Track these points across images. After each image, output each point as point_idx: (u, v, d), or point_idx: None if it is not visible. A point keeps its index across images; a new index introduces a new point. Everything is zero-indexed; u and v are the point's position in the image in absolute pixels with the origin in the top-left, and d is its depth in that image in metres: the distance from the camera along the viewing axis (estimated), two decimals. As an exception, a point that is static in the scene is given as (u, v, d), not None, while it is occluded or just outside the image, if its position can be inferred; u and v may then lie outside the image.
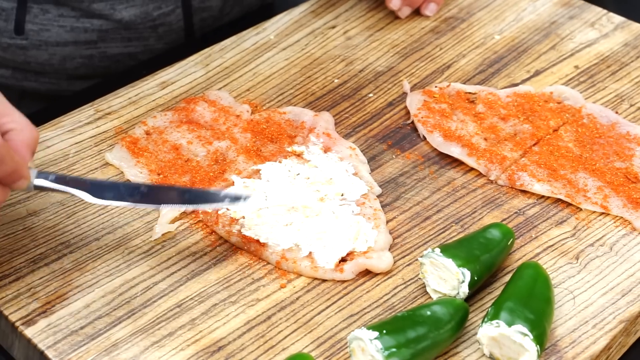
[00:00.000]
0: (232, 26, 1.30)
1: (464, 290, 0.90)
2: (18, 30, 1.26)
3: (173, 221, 0.98)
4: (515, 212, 1.02)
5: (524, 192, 1.04)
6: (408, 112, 1.13)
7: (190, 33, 1.34)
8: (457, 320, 0.87)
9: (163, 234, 0.97)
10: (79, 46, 1.29)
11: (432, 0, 1.28)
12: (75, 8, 1.26)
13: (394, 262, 0.95)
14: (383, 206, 1.01)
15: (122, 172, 1.03)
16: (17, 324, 0.88)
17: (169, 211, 0.98)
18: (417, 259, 0.95)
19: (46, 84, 1.33)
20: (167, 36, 1.32)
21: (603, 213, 1.02)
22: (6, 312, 0.88)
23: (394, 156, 1.08)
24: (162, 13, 1.29)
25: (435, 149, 1.08)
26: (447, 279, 0.90)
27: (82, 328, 0.87)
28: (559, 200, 1.03)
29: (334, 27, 1.26)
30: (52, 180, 0.90)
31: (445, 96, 1.14)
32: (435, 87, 1.16)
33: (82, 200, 0.98)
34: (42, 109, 1.24)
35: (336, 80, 1.18)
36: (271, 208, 0.98)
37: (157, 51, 1.33)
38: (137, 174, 1.02)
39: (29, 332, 0.87)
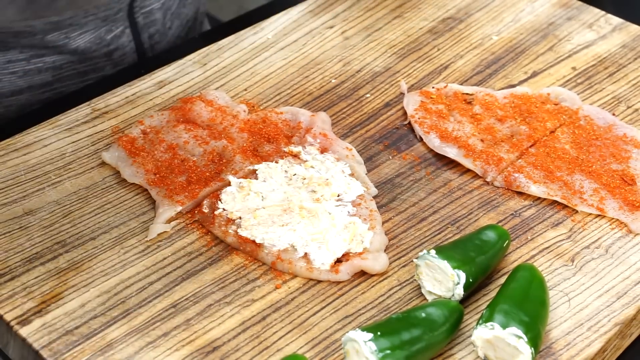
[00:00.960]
0: (181, 48, 1.30)
1: (459, 292, 0.90)
2: None
3: (169, 221, 0.98)
4: (511, 214, 1.02)
5: (520, 193, 1.04)
6: (405, 113, 1.13)
7: (141, 54, 1.31)
8: (452, 322, 0.87)
9: (159, 234, 0.97)
10: (34, 91, 1.23)
11: None
12: (25, 47, 1.20)
13: (390, 264, 0.95)
14: (379, 207, 1.01)
15: (118, 172, 1.03)
16: (12, 323, 0.88)
17: (165, 211, 0.98)
18: (412, 261, 0.95)
19: None
20: (122, 61, 1.29)
21: (599, 215, 1.02)
22: (1, 312, 0.88)
23: (390, 157, 1.08)
24: (115, 36, 1.26)
25: (432, 150, 1.08)
26: (442, 280, 0.90)
27: (77, 328, 0.87)
28: (555, 202, 1.03)
29: (331, 27, 1.26)
30: None
31: (442, 97, 1.14)
32: (433, 87, 1.16)
33: (79, 199, 0.99)
34: (38, 108, 1.24)
35: (333, 81, 1.18)
36: (267, 208, 0.98)
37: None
38: (134, 173, 1.02)
39: (23, 331, 0.87)
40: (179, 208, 0.98)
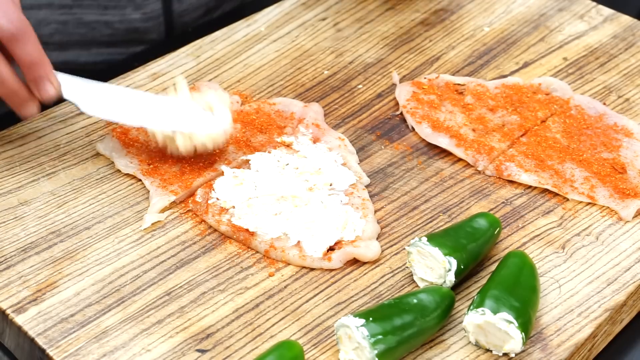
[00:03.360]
0: (220, 19, 1.31)
1: (451, 278, 0.90)
2: None
3: (162, 210, 0.99)
4: (503, 202, 1.03)
5: (512, 182, 1.05)
6: (397, 103, 1.14)
7: (167, 3, 1.30)
8: (443, 308, 0.87)
9: (152, 223, 0.97)
10: (53, 10, 1.25)
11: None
12: None
13: (382, 251, 0.96)
14: (371, 196, 1.02)
15: (112, 162, 1.04)
16: (8, 311, 0.88)
17: (159, 201, 0.98)
18: (404, 248, 0.96)
19: None
20: (145, 6, 1.28)
21: (590, 203, 1.03)
22: (-3, 300, 0.90)
23: (382, 147, 1.09)
24: None
25: (424, 140, 1.09)
26: (434, 267, 0.91)
27: (72, 315, 0.88)
28: (546, 190, 1.04)
29: (324, 19, 1.27)
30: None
31: (434, 87, 1.15)
32: (425, 78, 1.17)
33: (73, 189, 1.00)
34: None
35: (326, 72, 1.19)
36: (260, 197, 0.98)
37: (134, 22, 1.29)
38: (128, 164, 1.03)
39: (19, 319, 0.88)
40: (173, 198, 0.99)
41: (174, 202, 0.99)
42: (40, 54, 0.96)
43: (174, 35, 1.34)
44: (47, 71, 0.97)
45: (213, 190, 1.00)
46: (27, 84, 0.97)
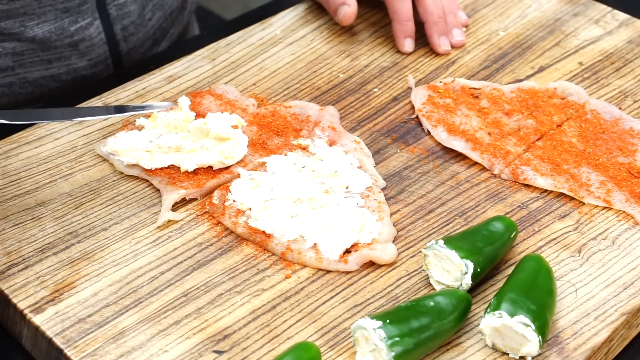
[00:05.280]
0: (162, 54, 1.30)
1: (467, 281, 0.90)
2: None
3: (176, 208, 0.99)
4: (519, 206, 1.03)
5: (527, 186, 1.05)
6: (412, 107, 1.14)
7: (113, 45, 1.27)
8: (460, 311, 0.88)
9: (169, 224, 0.97)
10: None
11: (455, 26, 1.24)
12: None
13: (398, 254, 0.96)
14: (387, 199, 1.02)
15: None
16: (26, 311, 0.89)
17: (170, 196, 0.99)
18: (420, 251, 0.96)
19: None
20: (90, 52, 1.26)
21: (606, 207, 1.03)
22: (15, 300, 0.90)
23: (398, 150, 1.09)
24: (80, 27, 1.23)
25: (440, 143, 1.09)
26: (451, 270, 0.91)
27: (89, 316, 0.88)
28: (562, 194, 1.04)
29: (339, 22, 1.27)
30: None
31: (449, 91, 1.15)
32: (440, 82, 1.17)
33: (90, 190, 1.01)
34: (49, 101, 1.25)
35: (341, 75, 1.19)
36: (277, 200, 0.99)
37: (81, 70, 1.27)
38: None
39: (37, 319, 0.88)
40: (182, 192, 0.99)
41: (189, 201, 1.00)
42: None
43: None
44: None
45: (230, 192, 1.00)
46: None
